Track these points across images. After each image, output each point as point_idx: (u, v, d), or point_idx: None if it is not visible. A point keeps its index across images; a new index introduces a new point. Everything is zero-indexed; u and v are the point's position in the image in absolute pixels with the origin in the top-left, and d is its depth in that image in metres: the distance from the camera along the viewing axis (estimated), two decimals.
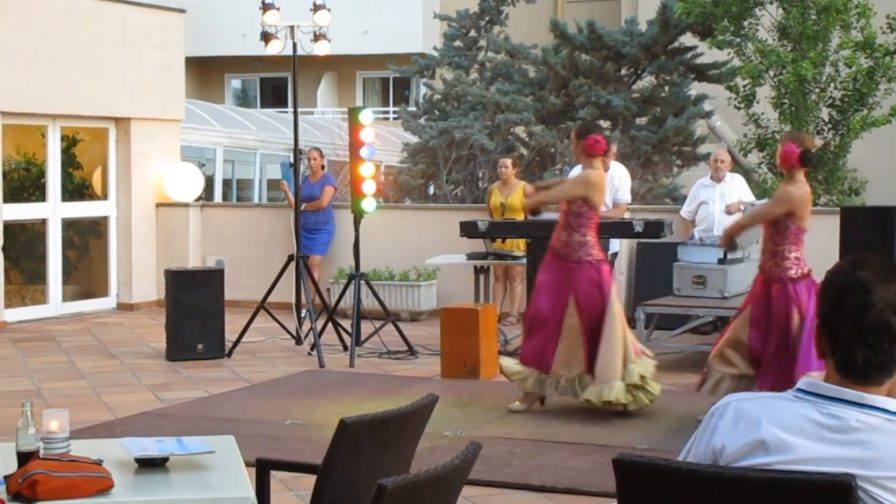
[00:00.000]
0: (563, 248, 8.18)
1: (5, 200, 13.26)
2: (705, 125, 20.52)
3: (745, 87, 16.13)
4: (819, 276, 2.63)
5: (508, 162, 13.00)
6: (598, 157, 8.30)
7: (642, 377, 8.10)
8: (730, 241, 8.29)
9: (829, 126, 15.81)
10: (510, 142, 18.78)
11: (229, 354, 10.87)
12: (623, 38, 18.98)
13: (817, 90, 15.67)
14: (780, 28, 15.75)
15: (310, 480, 3.83)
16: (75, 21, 13.82)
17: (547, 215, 9.08)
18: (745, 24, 16.17)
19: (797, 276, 7.61)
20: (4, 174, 13.62)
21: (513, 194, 12.61)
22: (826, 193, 15.86)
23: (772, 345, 7.56)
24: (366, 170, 11.21)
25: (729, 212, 11.81)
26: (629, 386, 8.04)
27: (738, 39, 16.17)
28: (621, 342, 8.06)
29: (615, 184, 11.18)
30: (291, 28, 11.30)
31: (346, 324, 11.20)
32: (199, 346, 10.75)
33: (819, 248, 11.36)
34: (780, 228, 7.64)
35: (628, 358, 8.10)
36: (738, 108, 16.39)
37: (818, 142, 15.84)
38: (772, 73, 15.71)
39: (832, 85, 15.74)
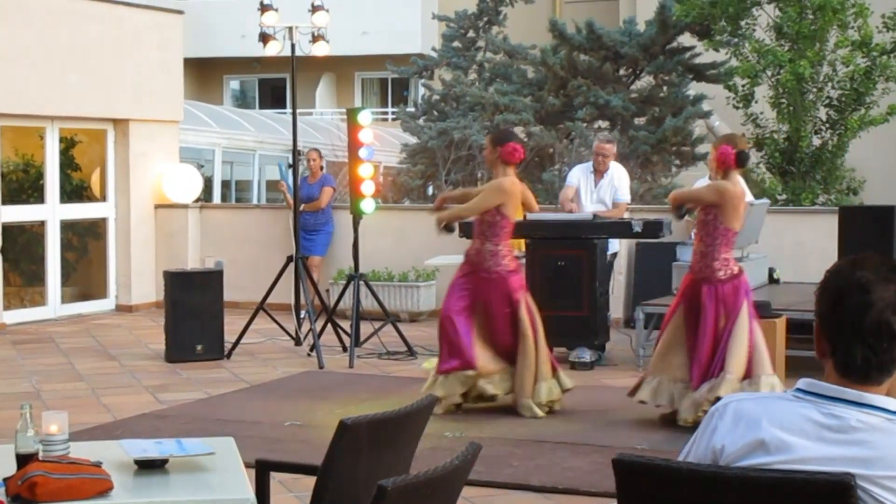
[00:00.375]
0: (475, 257, 8.29)
1: (4, 202, 13.25)
2: (704, 125, 20.52)
3: (743, 86, 16.14)
4: (819, 276, 2.62)
5: None
6: (513, 166, 8.32)
7: (550, 401, 8.25)
8: (677, 209, 8.29)
9: (827, 125, 15.82)
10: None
11: (228, 356, 10.86)
12: (621, 38, 18.99)
13: (815, 89, 15.68)
14: (778, 28, 15.76)
15: (309, 481, 3.82)
16: (73, 22, 13.81)
17: (547, 215, 9.08)
18: (743, 24, 16.18)
19: (725, 278, 7.69)
20: (3, 176, 13.63)
21: None
22: (824, 193, 15.87)
23: (703, 346, 7.63)
24: (364, 171, 11.21)
25: None
26: (537, 404, 8.18)
27: (736, 39, 16.19)
28: (533, 361, 8.16)
29: (615, 184, 11.19)
30: (290, 29, 11.30)
31: (346, 325, 11.19)
32: (199, 348, 10.74)
33: (818, 248, 11.41)
34: (710, 229, 7.76)
35: (540, 375, 8.22)
36: (737, 108, 16.40)
37: (816, 141, 15.87)
38: (769, 72, 15.72)
39: (830, 84, 15.75)
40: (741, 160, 7.71)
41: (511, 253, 8.44)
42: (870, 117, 15.50)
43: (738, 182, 7.88)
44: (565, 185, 11.46)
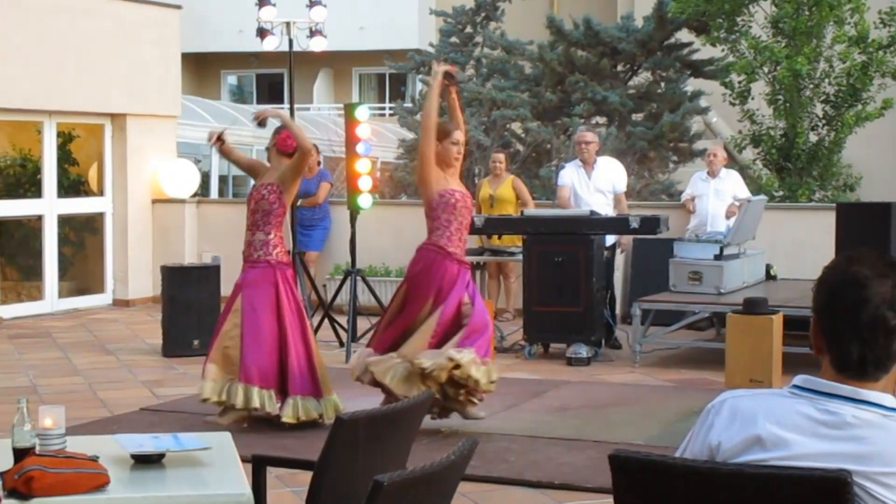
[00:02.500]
0: (245, 249, 8.08)
1: (1, 197, 13.24)
2: (701, 121, 20.53)
3: (739, 83, 16.14)
4: (815, 273, 2.62)
5: (501, 157, 13.11)
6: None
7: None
8: None
9: (824, 122, 15.81)
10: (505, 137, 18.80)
11: None
12: (619, 34, 18.98)
13: (811, 86, 15.67)
14: (774, 24, 15.75)
15: (306, 476, 3.83)
16: (71, 17, 13.80)
17: (544, 211, 9.10)
18: (739, 20, 16.18)
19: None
20: (0, 170, 13.61)
21: (501, 186, 12.73)
22: (821, 189, 15.87)
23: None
24: (362, 166, 11.20)
25: (728, 215, 11.84)
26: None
27: (733, 36, 16.18)
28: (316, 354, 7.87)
29: (609, 176, 11.24)
30: (287, 24, 11.30)
31: (342, 320, 11.18)
32: (195, 343, 10.74)
33: (815, 244, 11.42)
34: None
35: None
36: (734, 105, 16.40)
37: (813, 137, 15.86)
38: (766, 69, 15.72)
39: (826, 80, 15.75)
40: None
41: (283, 243, 8.19)
42: (866, 113, 15.49)
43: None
44: (559, 187, 11.43)
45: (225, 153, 8.47)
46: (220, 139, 8.33)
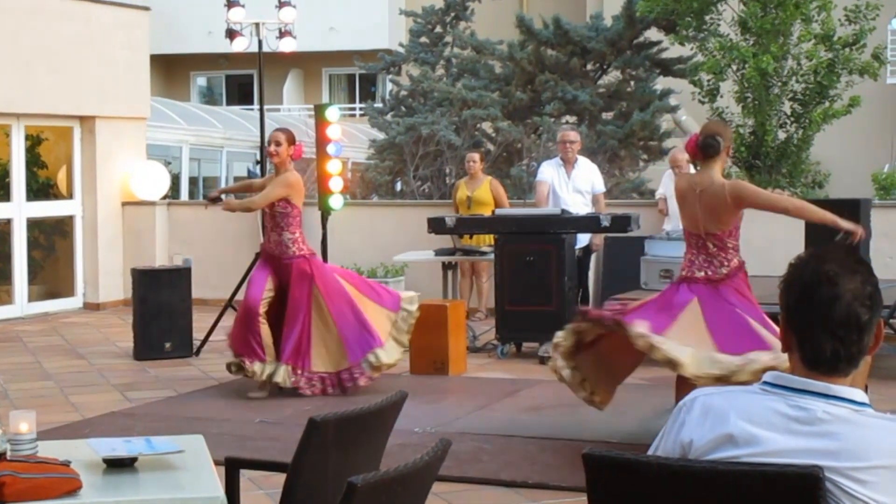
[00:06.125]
0: (276, 248, 8.99)
1: None
2: (671, 119, 20.61)
3: (708, 81, 16.21)
4: (785, 269, 2.62)
5: (476, 157, 13.05)
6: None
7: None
8: None
9: (792, 119, 15.90)
10: (476, 138, 18.82)
11: (197, 353, 10.83)
12: (588, 33, 19.04)
13: (779, 84, 15.76)
14: (742, 23, 15.83)
15: (279, 479, 3.82)
16: (40, 19, 13.73)
17: (516, 211, 9.11)
18: (708, 19, 16.25)
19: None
20: None
21: (479, 188, 12.68)
22: (790, 186, 15.95)
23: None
24: (333, 167, 11.20)
25: None
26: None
27: (702, 35, 16.25)
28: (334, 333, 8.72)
29: (589, 176, 11.30)
30: (257, 25, 11.30)
31: None
32: (167, 346, 10.70)
33: (784, 240, 11.46)
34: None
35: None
36: (703, 103, 16.47)
37: (781, 135, 15.95)
38: (734, 67, 15.80)
39: (794, 78, 15.83)
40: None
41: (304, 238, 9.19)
42: (833, 110, 15.59)
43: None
44: (537, 182, 11.47)
45: (231, 207, 9.40)
46: (214, 200, 9.09)
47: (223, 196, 9.38)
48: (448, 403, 8.61)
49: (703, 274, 6.80)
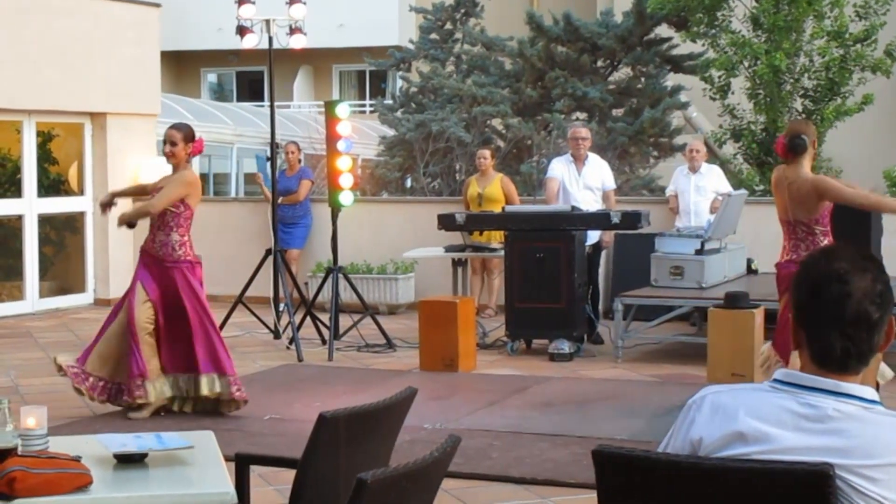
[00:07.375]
0: (160, 249, 8.38)
1: None
2: (682, 116, 20.57)
3: (719, 78, 16.17)
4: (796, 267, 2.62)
5: (487, 153, 13.04)
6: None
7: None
8: None
9: (804, 116, 15.85)
10: (486, 135, 18.82)
11: None
12: (599, 29, 19.01)
13: (791, 81, 15.72)
14: (754, 19, 15.80)
15: (289, 475, 3.82)
16: (50, 16, 13.74)
17: (525, 207, 9.11)
18: (719, 15, 16.21)
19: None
20: None
21: (490, 185, 12.68)
22: None
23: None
24: (343, 163, 11.19)
25: (713, 210, 11.86)
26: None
27: (713, 31, 16.22)
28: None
29: (600, 172, 11.28)
30: (267, 22, 11.29)
31: (325, 318, 11.17)
32: None
33: None
34: None
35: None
36: (714, 100, 16.44)
37: None
38: (746, 64, 15.76)
39: (806, 75, 15.80)
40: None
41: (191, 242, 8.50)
42: (845, 107, 15.55)
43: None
44: (547, 179, 11.44)
45: (124, 219, 8.74)
46: (107, 206, 8.82)
47: (115, 201, 9.06)
48: (458, 400, 8.61)
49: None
